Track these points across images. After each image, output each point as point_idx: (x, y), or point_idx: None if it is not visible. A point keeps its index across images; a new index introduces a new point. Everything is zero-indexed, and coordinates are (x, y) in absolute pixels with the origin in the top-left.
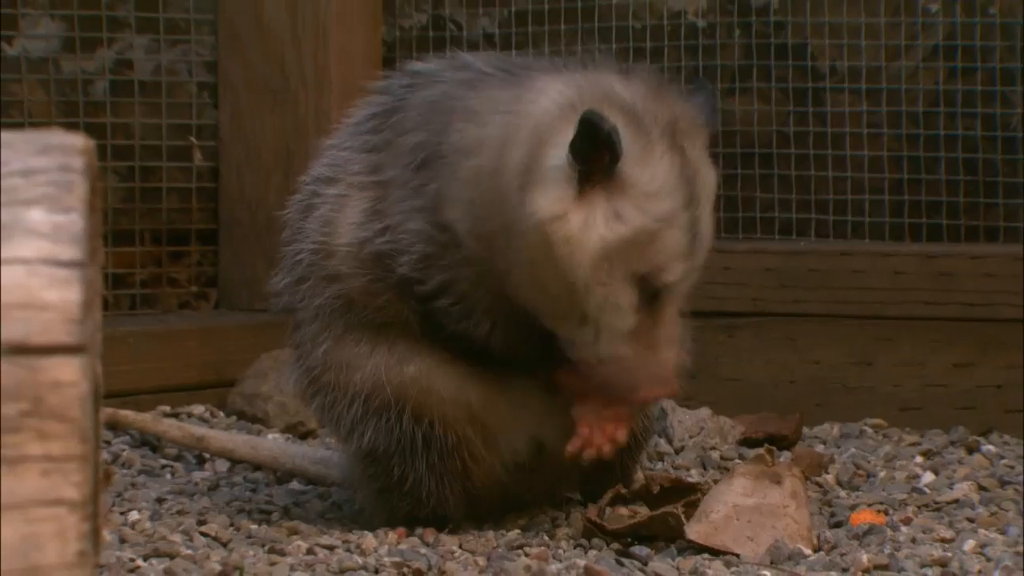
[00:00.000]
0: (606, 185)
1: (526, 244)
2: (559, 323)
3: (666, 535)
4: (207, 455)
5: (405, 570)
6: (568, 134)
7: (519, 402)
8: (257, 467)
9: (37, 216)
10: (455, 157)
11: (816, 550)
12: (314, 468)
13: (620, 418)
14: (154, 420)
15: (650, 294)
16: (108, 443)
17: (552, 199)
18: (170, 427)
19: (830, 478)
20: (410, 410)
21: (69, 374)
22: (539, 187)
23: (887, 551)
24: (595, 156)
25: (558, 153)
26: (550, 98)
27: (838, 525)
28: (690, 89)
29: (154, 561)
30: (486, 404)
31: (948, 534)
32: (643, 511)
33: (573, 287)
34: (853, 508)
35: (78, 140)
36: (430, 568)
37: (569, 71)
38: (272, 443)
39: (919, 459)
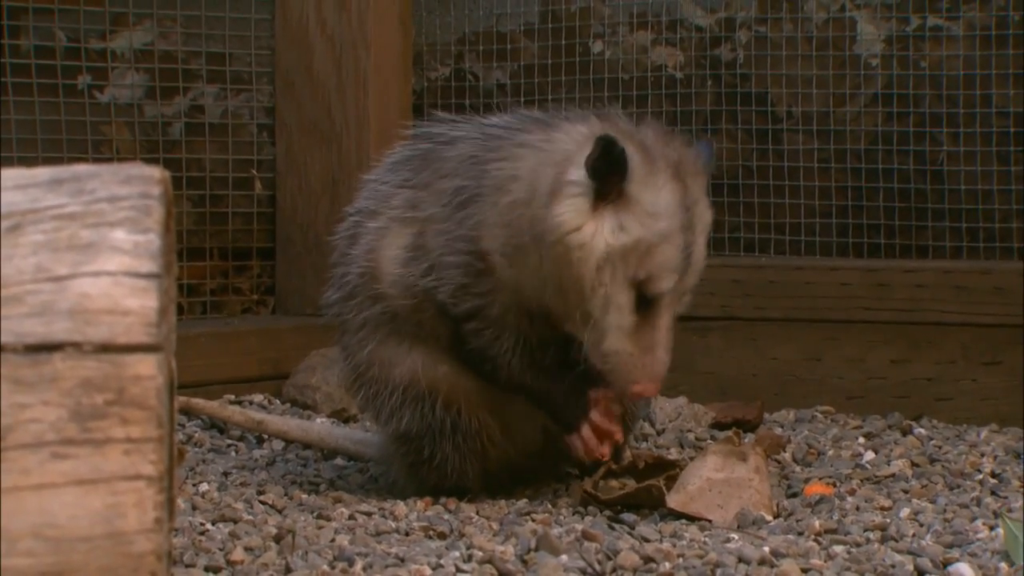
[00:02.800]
0: (615, 202)
1: (550, 251)
2: (572, 324)
3: (650, 504)
4: (265, 436)
5: (431, 533)
6: (586, 155)
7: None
8: (307, 446)
9: (121, 236)
10: (493, 194)
11: (776, 516)
12: (354, 447)
13: (614, 423)
14: (220, 407)
15: (646, 301)
16: (182, 426)
17: (571, 210)
18: (234, 412)
19: (787, 456)
20: (441, 400)
21: (147, 369)
22: (561, 200)
23: (835, 517)
24: (608, 176)
25: (577, 171)
26: (572, 136)
27: (794, 495)
28: (695, 140)
29: (220, 525)
30: (504, 396)
31: (887, 503)
32: (631, 484)
33: (582, 288)
34: (806, 481)
35: (155, 172)
36: (452, 531)
37: (589, 118)
38: (320, 426)
39: (861, 440)
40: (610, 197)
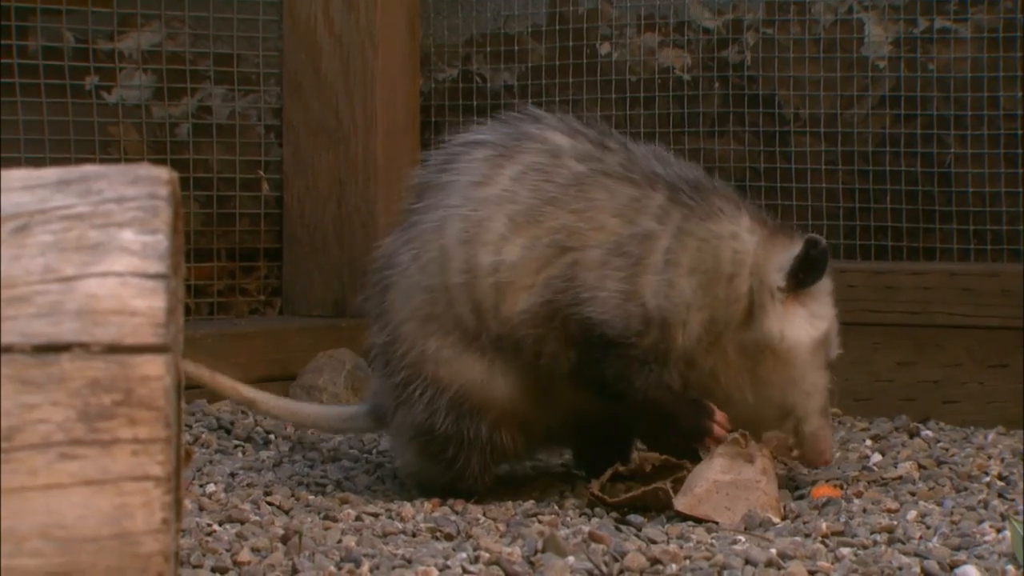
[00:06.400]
0: (796, 295)
1: (756, 357)
2: (760, 422)
3: (657, 506)
4: (272, 437)
5: (438, 534)
6: (777, 260)
7: (571, 423)
8: (298, 427)
9: (129, 236)
10: (691, 271)
11: (783, 519)
12: (343, 424)
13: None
14: (212, 376)
15: None
16: (189, 427)
17: (772, 319)
18: (224, 385)
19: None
20: (489, 420)
21: (155, 369)
22: (762, 312)
23: (843, 520)
24: (800, 274)
25: (778, 275)
26: (754, 238)
27: (801, 498)
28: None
29: (227, 526)
30: (544, 416)
31: (894, 505)
32: (638, 486)
33: (792, 382)
34: (814, 483)
35: (163, 172)
36: (459, 532)
37: (741, 206)
38: (309, 407)
39: (869, 442)
40: (791, 292)
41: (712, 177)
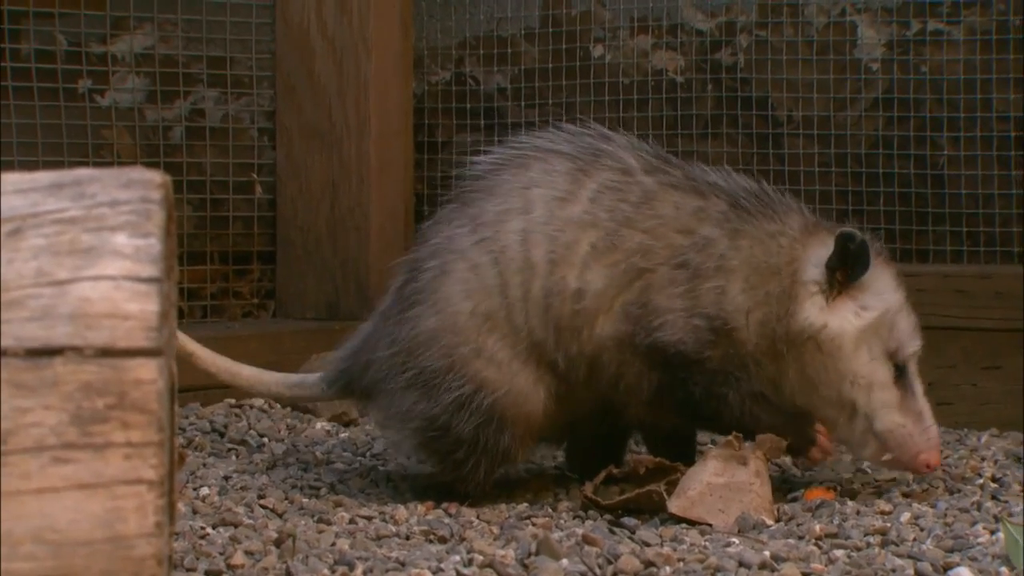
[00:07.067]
0: (846, 290)
1: (802, 349)
2: (831, 425)
3: (651, 509)
4: (265, 440)
5: (432, 537)
6: (815, 255)
7: (568, 427)
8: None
9: (121, 240)
10: (744, 273)
11: (777, 521)
12: (289, 392)
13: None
14: None
15: (899, 372)
16: (182, 430)
17: (814, 310)
18: None
19: (788, 460)
20: (515, 431)
21: (148, 373)
22: (803, 302)
23: (836, 522)
24: (842, 268)
25: (814, 269)
26: (797, 233)
27: (795, 500)
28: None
29: (221, 529)
30: (551, 432)
31: (887, 508)
32: (631, 488)
33: (842, 377)
34: (807, 485)
35: (156, 176)
36: (452, 535)
37: (792, 207)
38: (249, 371)
39: None
40: (839, 286)
41: (765, 184)
